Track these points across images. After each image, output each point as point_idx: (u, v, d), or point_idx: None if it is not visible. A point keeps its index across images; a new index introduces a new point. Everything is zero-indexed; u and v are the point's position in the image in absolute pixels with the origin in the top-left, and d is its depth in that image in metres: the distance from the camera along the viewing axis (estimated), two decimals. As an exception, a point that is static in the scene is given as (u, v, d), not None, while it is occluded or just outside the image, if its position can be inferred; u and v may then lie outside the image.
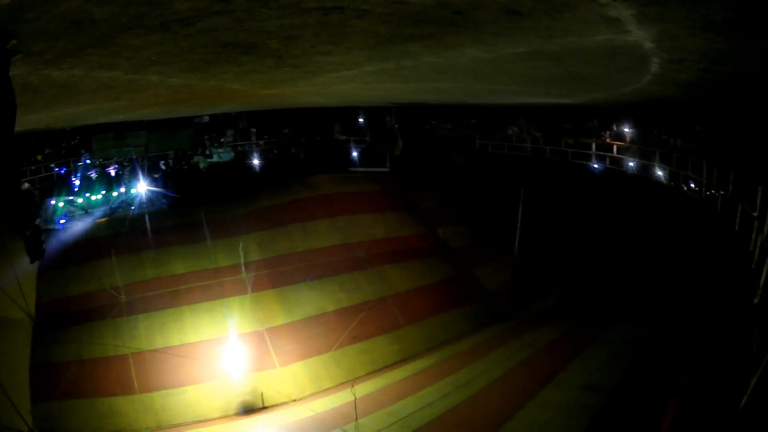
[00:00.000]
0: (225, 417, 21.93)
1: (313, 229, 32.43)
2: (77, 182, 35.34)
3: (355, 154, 45.38)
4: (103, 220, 32.32)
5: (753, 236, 15.53)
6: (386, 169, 40.62)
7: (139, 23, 7.02)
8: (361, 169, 40.14)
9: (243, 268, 27.84)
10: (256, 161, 45.32)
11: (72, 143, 40.46)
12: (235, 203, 33.69)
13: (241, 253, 27.94)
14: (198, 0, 6.32)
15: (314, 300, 27.50)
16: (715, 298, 20.62)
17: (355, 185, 37.84)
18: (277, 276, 28.35)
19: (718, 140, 31.45)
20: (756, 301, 12.15)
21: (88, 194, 34.14)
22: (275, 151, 47.94)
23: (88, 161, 37.20)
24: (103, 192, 34.94)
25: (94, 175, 36.29)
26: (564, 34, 9.20)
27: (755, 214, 15.27)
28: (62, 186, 34.33)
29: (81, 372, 21.90)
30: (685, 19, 7.74)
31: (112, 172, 37.13)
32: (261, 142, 47.85)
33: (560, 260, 35.42)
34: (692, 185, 27.98)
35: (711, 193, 24.04)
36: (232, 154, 47.53)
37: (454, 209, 37.25)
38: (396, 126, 40.93)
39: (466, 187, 39.24)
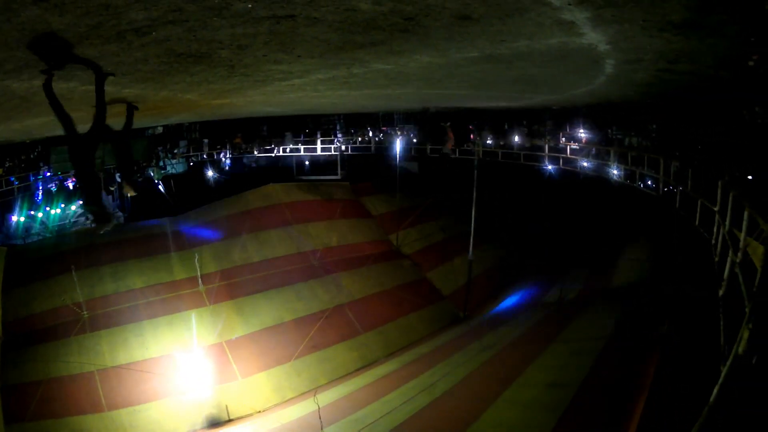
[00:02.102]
0: (192, 432, 21.93)
1: (267, 238, 32.54)
2: (39, 196, 35.05)
3: (306, 162, 45.48)
4: (63, 234, 32.12)
5: (714, 230, 15.77)
6: (338, 177, 40.69)
7: (96, 33, 7.02)
8: (312, 177, 40.24)
9: (200, 281, 27.84)
10: (209, 172, 45.21)
11: (31, 156, 39.89)
12: (188, 214, 33.72)
13: (197, 265, 27.94)
14: (153, 10, 6.35)
15: (271, 310, 27.60)
16: (684, 293, 20.93)
17: (307, 193, 37.93)
18: (233, 287, 28.44)
19: (674, 137, 31.96)
20: (721, 293, 12.35)
21: (48, 208, 33.89)
22: (228, 161, 47.80)
23: (48, 174, 36.74)
24: (63, 206, 34.69)
25: (53, 188, 35.98)
26: (516, 38, 9.24)
27: (716, 209, 15.51)
28: (24, 200, 34.01)
29: (50, 391, 21.80)
30: (641, 20, 7.83)
31: (71, 185, 36.77)
32: (214, 153, 47.63)
33: (518, 260, 35.90)
34: (649, 182, 28.25)
35: (668, 189, 24.30)
36: (186, 165, 47.29)
37: (406, 215, 37.43)
38: (448, 124, 40.43)
39: (418, 192, 39.52)
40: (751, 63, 9.49)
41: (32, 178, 36.74)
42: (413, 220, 37.42)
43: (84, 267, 27.07)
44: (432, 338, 28.14)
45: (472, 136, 40.09)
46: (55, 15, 6.10)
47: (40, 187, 36.04)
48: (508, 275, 35.69)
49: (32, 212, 33.93)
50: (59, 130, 9.78)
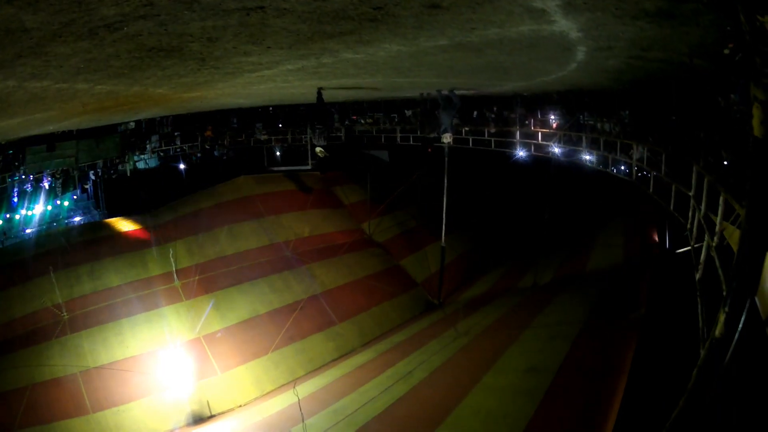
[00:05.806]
0: (176, 429, 21.91)
1: (239, 231, 32.36)
2: (16, 198, 34.74)
3: (278, 153, 45.32)
4: (40, 235, 31.87)
5: (690, 214, 15.82)
6: (308, 167, 40.54)
7: (68, 30, 7.00)
8: (283, 168, 39.94)
9: (175, 276, 27.74)
10: (181, 165, 45.05)
11: (5, 157, 39.41)
12: (162, 209, 33.55)
13: (172, 261, 27.80)
14: (124, 5, 6.34)
15: (247, 303, 27.50)
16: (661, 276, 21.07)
17: (278, 184, 37.81)
18: (208, 281, 28.28)
19: (647, 123, 32.07)
20: (698, 276, 12.41)
21: (24, 209, 33.66)
22: (199, 155, 47.56)
23: (23, 175, 36.35)
24: (39, 206, 34.44)
25: (29, 189, 35.66)
26: (486, 25, 9.25)
27: (691, 194, 15.54)
28: (1, 203, 33.72)
29: (36, 397, 21.56)
30: (614, 8, 7.84)
31: (46, 185, 36.43)
32: (185, 146, 47.32)
33: (492, 245, 36.01)
34: (623, 168, 28.30)
35: (642, 174, 24.37)
36: (158, 159, 47.00)
37: (378, 203, 37.48)
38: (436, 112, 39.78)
39: (389, 180, 39.51)
40: (726, 51, 9.56)
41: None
42: (384, 208, 37.37)
43: (62, 268, 26.75)
44: (407, 326, 28.21)
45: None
46: (29, 13, 6.10)
47: (17, 189, 35.65)
48: (481, 261, 35.89)
49: (8, 215, 33.62)
50: (34, 130, 9.83)
